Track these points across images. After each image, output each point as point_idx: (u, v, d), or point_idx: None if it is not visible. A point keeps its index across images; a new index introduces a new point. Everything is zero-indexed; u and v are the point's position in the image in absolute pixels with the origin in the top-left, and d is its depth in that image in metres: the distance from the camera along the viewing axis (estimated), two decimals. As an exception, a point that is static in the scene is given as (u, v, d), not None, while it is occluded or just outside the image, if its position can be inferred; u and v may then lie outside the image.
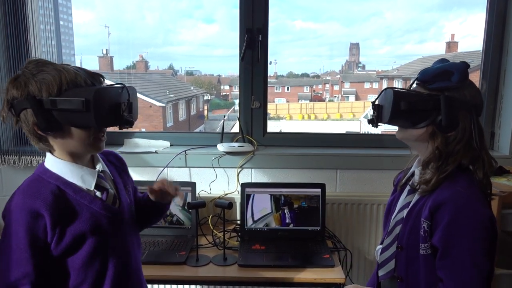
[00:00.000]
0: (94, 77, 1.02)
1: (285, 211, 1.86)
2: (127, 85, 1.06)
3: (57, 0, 1.98)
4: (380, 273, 1.24)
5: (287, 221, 1.86)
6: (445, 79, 1.05)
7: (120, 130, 1.08)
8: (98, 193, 1.06)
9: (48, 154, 1.04)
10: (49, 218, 0.96)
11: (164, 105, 10.76)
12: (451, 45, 11.88)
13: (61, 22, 2.00)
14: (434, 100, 1.05)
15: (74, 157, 1.03)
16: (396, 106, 1.06)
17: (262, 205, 1.86)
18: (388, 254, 1.21)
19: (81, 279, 1.02)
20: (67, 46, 2.04)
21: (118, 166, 1.21)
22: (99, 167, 1.10)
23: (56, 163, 1.02)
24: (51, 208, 0.96)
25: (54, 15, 1.98)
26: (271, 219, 1.86)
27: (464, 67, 1.04)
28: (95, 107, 0.95)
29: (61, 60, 2.03)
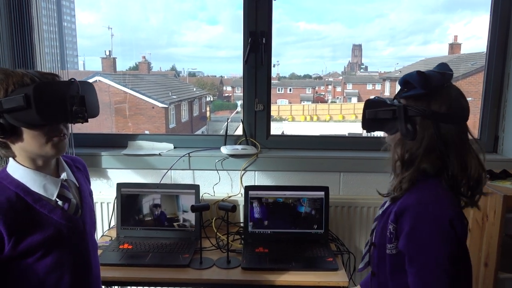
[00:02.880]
0: (46, 76, 1.00)
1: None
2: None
3: (60, 1, 1.99)
4: (360, 265, 1.29)
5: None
6: (412, 88, 1.08)
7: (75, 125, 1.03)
8: (60, 202, 1.04)
9: (10, 160, 1.02)
10: (4, 228, 0.93)
11: (166, 106, 10.77)
12: (454, 46, 11.88)
13: (64, 24, 2.00)
14: (394, 110, 1.09)
15: (37, 164, 1.02)
16: (364, 115, 1.17)
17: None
18: (366, 249, 1.27)
19: None
20: (70, 47, 2.04)
21: (83, 173, 1.20)
22: (63, 176, 1.08)
23: (18, 170, 1.00)
24: (6, 218, 0.94)
25: (57, 16, 1.98)
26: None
27: (418, 78, 1.04)
28: (36, 102, 0.92)
29: (64, 61, 2.04)
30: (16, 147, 0.99)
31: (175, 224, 1.87)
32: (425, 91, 1.05)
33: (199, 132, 12.60)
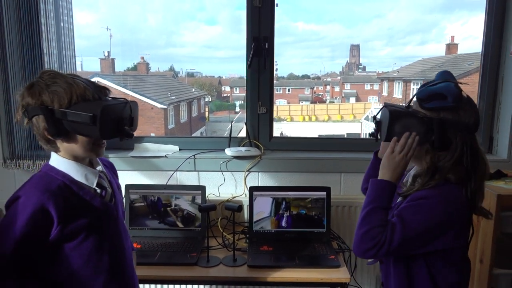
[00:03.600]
0: (101, 91, 1.12)
1: (284, 215, 1.92)
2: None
3: (58, 1, 2.04)
4: (369, 259, 1.37)
5: (283, 225, 1.92)
6: (441, 99, 1.10)
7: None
8: (98, 191, 1.16)
9: (53, 154, 1.13)
10: (55, 214, 1.04)
11: (165, 107, 10.81)
12: (451, 47, 12.00)
13: (61, 24, 2.06)
14: (427, 123, 1.11)
15: (77, 158, 1.14)
16: (391, 127, 1.14)
17: (260, 207, 1.92)
18: None
19: (79, 271, 1.12)
20: (68, 47, 2.09)
21: (110, 169, 1.33)
22: (99, 168, 1.21)
23: (62, 162, 1.12)
24: (58, 204, 1.05)
25: (55, 16, 2.04)
26: (268, 222, 1.92)
27: (457, 92, 1.08)
28: (101, 122, 1.05)
29: (62, 61, 2.09)
30: (62, 145, 1.10)
31: (179, 216, 1.94)
32: (455, 105, 1.09)
33: (197, 133, 12.65)
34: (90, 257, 1.13)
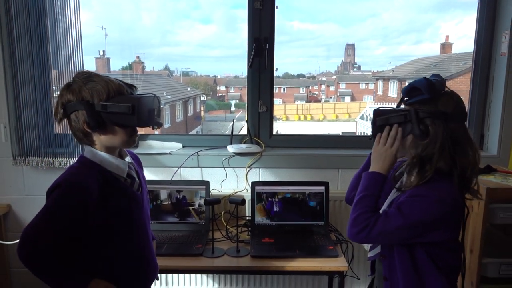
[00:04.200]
0: (131, 88, 1.24)
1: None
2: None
3: (64, 2, 2.10)
4: (370, 254, 1.42)
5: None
6: (418, 94, 1.20)
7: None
8: (128, 180, 1.26)
9: (87, 147, 1.22)
10: (93, 200, 1.13)
11: (162, 106, 10.86)
12: (445, 46, 12.13)
13: (67, 25, 2.12)
14: (405, 115, 1.21)
15: (109, 150, 1.23)
16: (375, 122, 1.26)
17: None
18: None
19: (112, 252, 1.23)
20: (62, 46, 2.15)
21: (136, 162, 1.43)
22: (128, 159, 1.31)
23: (96, 155, 1.21)
24: (94, 191, 1.14)
25: (50, 15, 2.10)
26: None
27: (426, 83, 1.18)
28: (139, 111, 1.16)
29: (68, 61, 2.15)
30: (98, 138, 1.19)
31: (191, 208, 2.04)
32: (430, 96, 1.17)
33: (193, 132, 12.69)
34: (121, 240, 1.23)
